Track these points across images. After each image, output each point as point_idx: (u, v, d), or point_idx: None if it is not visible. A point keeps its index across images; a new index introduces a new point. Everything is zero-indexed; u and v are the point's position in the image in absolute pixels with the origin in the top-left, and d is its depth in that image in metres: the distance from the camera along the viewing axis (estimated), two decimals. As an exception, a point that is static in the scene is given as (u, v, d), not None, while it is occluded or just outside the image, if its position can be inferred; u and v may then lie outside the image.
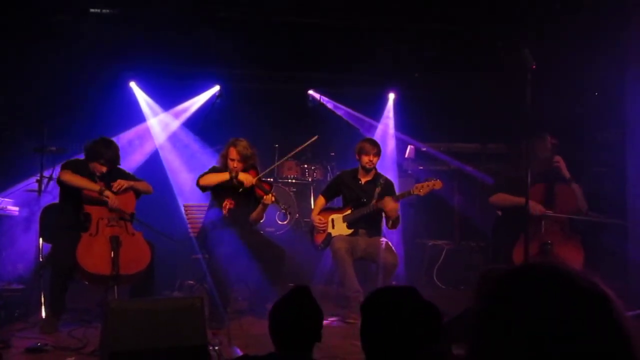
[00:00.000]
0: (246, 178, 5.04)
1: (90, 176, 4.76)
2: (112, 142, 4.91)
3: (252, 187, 5.07)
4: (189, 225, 5.52)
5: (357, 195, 5.46)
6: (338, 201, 5.75)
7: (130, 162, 6.94)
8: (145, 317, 3.22)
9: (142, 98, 7.71)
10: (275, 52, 7.36)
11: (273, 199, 4.97)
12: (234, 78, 7.84)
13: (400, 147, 7.86)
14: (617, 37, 5.53)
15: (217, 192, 5.17)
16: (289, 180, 7.46)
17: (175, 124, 7.76)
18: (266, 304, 4.53)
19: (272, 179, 6.15)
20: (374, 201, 5.36)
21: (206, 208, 5.36)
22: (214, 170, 5.19)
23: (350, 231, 5.39)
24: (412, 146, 7.58)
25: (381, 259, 5.14)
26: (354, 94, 8.28)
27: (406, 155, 7.61)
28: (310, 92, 8.22)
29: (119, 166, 5.14)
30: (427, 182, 5.24)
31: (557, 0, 6.23)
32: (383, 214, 5.39)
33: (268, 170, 5.31)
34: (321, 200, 5.66)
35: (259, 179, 5.12)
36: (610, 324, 0.95)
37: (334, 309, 5.29)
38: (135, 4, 6.71)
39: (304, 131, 5.67)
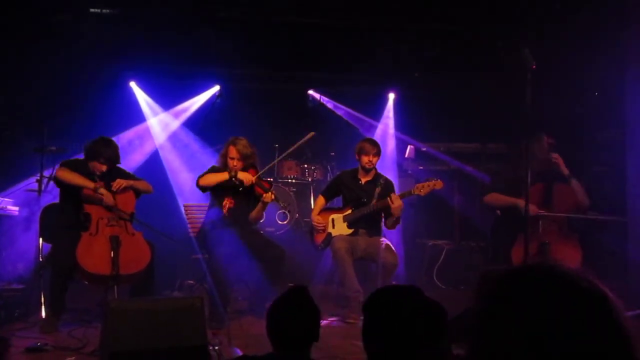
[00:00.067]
0: (245, 177, 5.04)
1: (90, 176, 4.76)
2: (111, 141, 4.91)
3: (252, 185, 5.07)
4: (189, 225, 5.52)
5: (357, 195, 5.46)
6: (338, 201, 5.75)
7: (130, 162, 6.93)
8: (145, 317, 3.22)
9: (142, 98, 7.70)
10: (275, 52, 7.35)
11: (273, 196, 4.97)
12: (234, 78, 7.84)
13: (400, 147, 7.85)
14: (617, 37, 5.53)
15: (216, 192, 5.16)
16: (289, 180, 7.46)
17: (175, 124, 7.75)
18: (266, 304, 4.52)
19: (272, 179, 6.14)
20: (374, 201, 5.36)
21: (206, 208, 5.36)
22: (213, 170, 5.19)
23: (350, 231, 5.39)
24: (412, 146, 7.58)
25: (381, 259, 5.14)
26: (354, 94, 8.28)
27: (406, 155, 7.61)
28: (310, 92, 8.22)
29: (119, 166, 5.14)
30: (427, 182, 5.24)
31: (557, 0, 6.23)
32: (383, 214, 5.39)
33: (267, 168, 5.30)
34: (321, 200, 5.66)
35: (259, 178, 5.12)
36: (610, 323, 0.95)
37: (334, 309, 5.29)
38: (135, 4, 6.71)
39: (304, 131, 5.66)
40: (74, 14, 6.68)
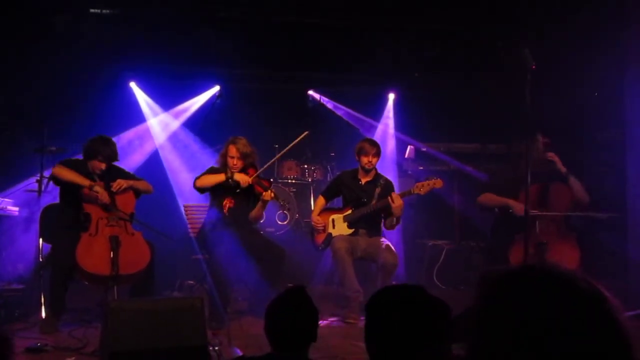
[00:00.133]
0: (242, 178, 5.04)
1: (89, 176, 4.76)
2: (109, 139, 4.91)
3: (251, 185, 5.06)
4: (188, 226, 5.52)
5: (357, 195, 5.46)
6: (338, 202, 5.75)
7: (130, 162, 6.93)
8: (145, 317, 3.22)
9: (142, 98, 7.70)
10: (275, 52, 7.35)
11: (272, 195, 4.97)
12: (234, 78, 7.84)
13: (400, 147, 7.85)
14: (617, 37, 5.53)
15: (216, 192, 5.16)
16: (289, 181, 7.46)
17: (175, 124, 7.75)
18: (266, 304, 4.53)
19: (272, 179, 6.15)
20: (374, 201, 5.36)
21: (206, 208, 5.36)
22: (211, 170, 5.19)
23: (350, 231, 5.39)
24: (412, 146, 7.58)
25: (381, 259, 5.14)
26: (354, 94, 8.28)
27: (406, 156, 7.61)
28: (310, 92, 8.22)
29: (119, 166, 5.15)
30: (427, 181, 5.24)
31: (557, 0, 6.23)
32: (382, 214, 5.39)
33: (265, 167, 5.29)
34: (321, 200, 5.66)
35: (258, 176, 5.11)
36: (609, 324, 0.95)
37: (334, 309, 5.29)
38: (135, 4, 6.71)
39: (304, 131, 5.66)
40: (74, 14, 6.68)
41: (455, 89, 7.70)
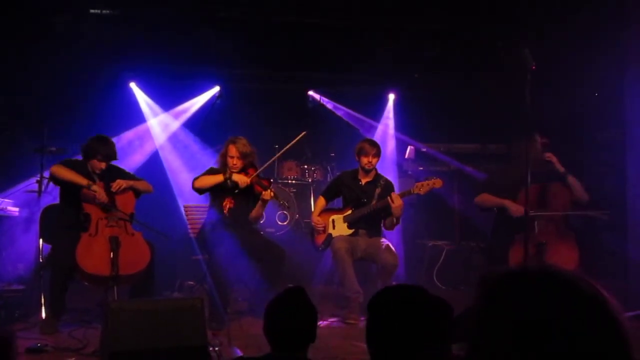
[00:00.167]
0: (240, 179, 5.03)
1: (89, 176, 4.76)
2: (107, 138, 4.91)
3: (250, 185, 5.06)
4: (189, 226, 5.52)
5: (357, 195, 5.46)
6: (338, 202, 5.75)
7: (131, 162, 6.93)
8: (145, 317, 3.22)
9: (142, 98, 7.70)
10: (275, 52, 7.35)
11: (272, 194, 4.97)
12: (234, 78, 7.84)
13: (400, 147, 7.85)
14: (617, 37, 5.53)
15: (216, 193, 5.16)
16: (289, 181, 7.46)
17: (176, 125, 7.75)
18: (266, 304, 4.53)
19: (272, 180, 6.14)
20: (374, 202, 5.36)
21: (206, 209, 5.36)
22: (211, 171, 5.19)
23: (350, 231, 5.39)
24: (412, 147, 7.58)
25: (381, 259, 5.14)
26: (354, 94, 8.28)
27: (406, 156, 7.61)
28: (310, 92, 8.22)
29: (119, 166, 5.15)
30: (427, 181, 5.24)
31: (557, 0, 6.23)
32: (383, 215, 5.39)
33: (263, 167, 5.29)
34: (321, 201, 5.66)
35: (257, 176, 5.11)
36: (608, 324, 0.96)
37: (334, 310, 5.29)
38: (135, 4, 6.71)
39: (304, 131, 5.66)
40: (74, 14, 6.68)
41: (455, 89, 7.70)
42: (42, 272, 4.79)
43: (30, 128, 6.42)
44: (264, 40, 7.07)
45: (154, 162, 7.35)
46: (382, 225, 5.46)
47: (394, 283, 5.28)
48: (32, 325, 4.52)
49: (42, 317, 4.55)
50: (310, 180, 7.48)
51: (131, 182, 4.94)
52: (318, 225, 5.44)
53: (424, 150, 7.58)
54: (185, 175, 7.02)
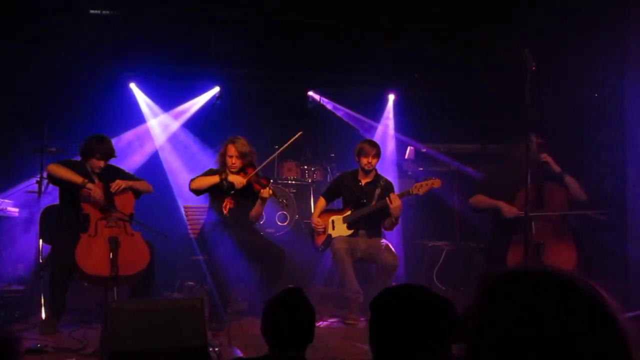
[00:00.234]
0: (236, 179, 5.03)
1: (88, 176, 4.75)
2: (104, 137, 4.91)
3: (249, 184, 5.06)
4: (189, 226, 5.52)
5: (357, 196, 5.45)
6: (339, 203, 5.74)
7: (130, 163, 6.93)
8: (145, 317, 3.22)
9: (142, 99, 7.70)
10: (275, 52, 7.35)
11: (271, 191, 4.97)
12: (234, 78, 7.84)
13: (400, 148, 7.85)
14: (617, 37, 5.52)
15: (215, 194, 5.17)
16: (289, 182, 7.46)
17: (175, 125, 7.75)
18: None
19: (272, 180, 6.14)
20: (373, 202, 5.36)
21: (206, 209, 5.36)
22: (210, 172, 5.19)
23: (350, 232, 5.39)
24: (411, 147, 7.57)
25: (381, 260, 5.14)
26: (354, 94, 8.28)
27: (406, 157, 7.61)
28: (310, 93, 8.21)
29: (118, 166, 5.15)
30: (425, 182, 5.24)
31: (557, 0, 6.23)
32: (382, 215, 5.38)
33: (261, 167, 5.28)
34: (322, 201, 5.66)
35: (256, 174, 5.11)
36: (608, 325, 0.96)
37: (333, 310, 5.29)
38: (135, 4, 6.70)
39: (304, 131, 5.66)
40: (74, 14, 6.67)
41: (455, 89, 7.70)
42: (42, 273, 4.79)
43: (30, 128, 6.42)
44: (264, 40, 7.07)
45: (154, 163, 7.35)
46: (382, 225, 5.46)
47: (393, 284, 5.28)
48: (32, 325, 4.52)
49: (42, 318, 4.55)
50: (310, 181, 7.47)
51: (130, 183, 4.94)
52: (318, 227, 5.44)
53: (424, 150, 7.58)
54: (185, 176, 7.00)
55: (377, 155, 5.40)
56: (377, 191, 5.40)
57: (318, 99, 8.14)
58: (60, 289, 4.49)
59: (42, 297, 4.62)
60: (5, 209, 5.69)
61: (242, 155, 5.08)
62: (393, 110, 8.18)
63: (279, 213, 6.98)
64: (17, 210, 5.82)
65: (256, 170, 5.15)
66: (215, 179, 5.05)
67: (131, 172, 5.42)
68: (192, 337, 3.24)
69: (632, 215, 5.34)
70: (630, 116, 5.42)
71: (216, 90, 7.67)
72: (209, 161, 5.72)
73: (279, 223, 7.00)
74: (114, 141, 5.02)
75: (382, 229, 5.47)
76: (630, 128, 5.44)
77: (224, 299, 4.78)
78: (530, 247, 4.67)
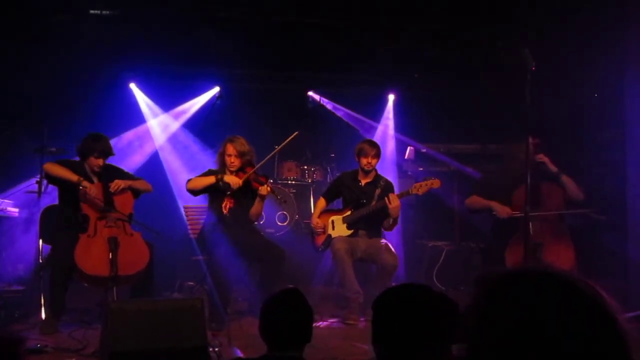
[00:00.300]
0: (232, 180, 5.03)
1: (86, 176, 4.75)
2: (101, 135, 4.91)
3: (248, 182, 5.06)
4: (189, 227, 5.51)
5: (357, 196, 5.46)
6: (339, 203, 5.75)
7: (130, 163, 6.93)
8: (145, 317, 3.22)
9: (142, 99, 7.70)
10: (275, 52, 7.34)
11: (269, 189, 4.98)
12: (234, 78, 7.83)
13: (400, 148, 7.84)
14: (617, 37, 5.52)
15: (214, 194, 5.17)
16: (289, 182, 7.45)
17: (175, 125, 7.75)
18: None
19: (271, 180, 6.14)
20: (373, 202, 5.36)
21: (206, 209, 5.35)
22: (209, 173, 5.19)
23: (350, 232, 5.39)
24: (411, 147, 7.57)
25: (381, 260, 5.14)
26: (354, 94, 8.27)
27: (406, 157, 7.60)
28: (310, 93, 8.21)
29: (117, 166, 5.14)
30: (425, 182, 5.24)
31: (557, 0, 6.23)
32: (382, 215, 5.38)
33: (259, 165, 5.27)
34: (322, 202, 5.66)
35: (255, 173, 5.11)
36: (608, 324, 0.96)
37: (333, 310, 5.29)
38: (135, 4, 6.70)
39: (304, 132, 5.66)
40: (74, 14, 6.67)
41: (455, 89, 7.69)
42: (42, 273, 4.79)
43: (30, 128, 6.42)
44: (264, 40, 7.06)
45: (154, 163, 7.34)
46: (381, 226, 5.45)
47: (393, 284, 5.28)
48: (32, 325, 4.52)
49: (42, 318, 4.55)
50: (310, 181, 7.47)
51: (129, 182, 4.94)
52: (317, 228, 5.44)
53: (424, 150, 7.57)
54: (185, 176, 6.96)
55: (377, 155, 5.40)
56: (377, 191, 5.40)
57: (318, 99, 8.14)
58: (60, 289, 4.49)
59: (42, 297, 4.62)
60: (5, 209, 5.70)
61: (240, 155, 5.09)
62: (393, 111, 8.18)
63: (279, 213, 6.98)
64: (17, 210, 5.82)
65: (255, 168, 5.16)
66: (211, 179, 5.05)
67: (130, 172, 5.41)
68: (192, 337, 3.24)
69: (632, 215, 5.34)
70: (630, 116, 5.41)
71: (216, 90, 7.67)
72: (209, 161, 5.72)
73: (279, 223, 7.00)
74: (114, 141, 5.02)
75: (382, 229, 5.47)
76: (630, 128, 5.44)
77: (224, 299, 4.78)
78: (529, 247, 4.67)
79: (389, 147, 7.92)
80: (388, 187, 5.50)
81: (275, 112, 7.74)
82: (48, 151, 5.92)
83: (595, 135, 6.45)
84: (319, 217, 5.52)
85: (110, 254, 4.30)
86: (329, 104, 8.18)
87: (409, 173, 7.55)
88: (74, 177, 4.64)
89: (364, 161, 5.38)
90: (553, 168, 5.03)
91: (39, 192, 5.90)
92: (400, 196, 5.25)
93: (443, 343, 1.67)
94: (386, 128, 8.17)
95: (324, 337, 4.33)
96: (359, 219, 5.38)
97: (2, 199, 5.82)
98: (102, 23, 6.78)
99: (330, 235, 5.39)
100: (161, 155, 7.50)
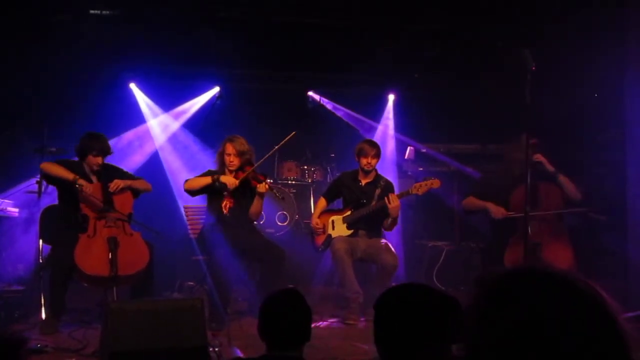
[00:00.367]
0: (228, 180, 5.03)
1: (85, 176, 4.75)
2: (99, 134, 4.92)
3: (247, 181, 5.06)
4: (189, 227, 5.51)
5: (357, 196, 5.46)
6: (339, 203, 5.75)
7: (130, 163, 6.93)
8: (145, 317, 3.22)
9: (142, 99, 7.70)
10: (275, 52, 7.34)
11: (267, 186, 4.98)
12: (234, 78, 7.83)
13: (400, 148, 7.84)
14: (617, 37, 5.52)
15: (212, 194, 5.17)
16: (289, 182, 7.45)
17: (175, 125, 7.75)
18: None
19: (271, 180, 6.13)
20: (373, 202, 5.36)
21: (206, 209, 5.35)
22: (208, 173, 5.20)
23: (350, 232, 5.39)
24: (411, 147, 7.57)
25: (381, 260, 5.14)
26: (354, 94, 8.27)
27: (406, 157, 7.60)
28: (310, 93, 8.21)
29: (117, 166, 5.14)
30: (425, 182, 5.24)
31: (557, 0, 6.23)
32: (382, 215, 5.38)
33: (257, 165, 5.27)
34: (322, 202, 5.67)
35: (254, 171, 5.11)
36: (608, 324, 0.96)
37: (333, 310, 5.29)
38: (135, 4, 6.70)
39: (304, 132, 5.66)
40: (74, 14, 6.67)
41: (455, 89, 7.69)
42: (42, 273, 4.79)
43: (30, 128, 6.42)
44: (264, 40, 7.06)
45: (154, 163, 7.34)
46: (382, 226, 5.45)
47: (393, 284, 5.28)
48: (32, 325, 4.52)
49: (42, 318, 4.55)
50: (310, 181, 7.47)
51: (129, 182, 4.94)
52: (317, 228, 5.45)
53: (424, 150, 7.58)
54: (185, 176, 6.95)
55: (377, 155, 5.41)
56: (377, 191, 5.40)
57: (318, 99, 8.14)
58: (60, 289, 4.49)
59: (42, 297, 4.62)
60: (5, 209, 5.69)
61: (240, 154, 5.09)
62: (393, 111, 8.17)
63: (279, 213, 6.98)
64: (17, 210, 5.82)
65: (253, 167, 5.16)
66: (207, 180, 5.06)
67: (130, 172, 5.41)
68: (192, 337, 3.24)
69: (632, 215, 5.34)
70: (630, 116, 5.41)
71: (216, 90, 7.67)
72: (209, 161, 5.73)
73: (279, 223, 7.00)
74: (114, 141, 5.02)
75: (382, 229, 5.47)
76: (630, 128, 5.44)
77: (224, 299, 4.78)
78: (528, 247, 4.67)
79: (389, 147, 7.91)
80: (388, 187, 5.50)
81: (275, 112, 7.74)
82: (48, 151, 5.92)
83: (595, 135, 6.45)
84: (319, 217, 5.52)
85: (110, 254, 4.30)
86: (329, 104, 8.18)
87: (409, 173, 7.54)
88: (69, 176, 4.64)
89: (363, 161, 5.38)
90: (550, 168, 5.03)
91: (39, 192, 5.90)
92: (400, 196, 5.25)
93: (444, 343, 1.67)
94: (386, 128, 8.17)
95: (324, 337, 4.34)
96: (359, 219, 5.38)
97: (2, 199, 5.82)
98: (102, 23, 6.78)
99: (330, 235, 5.39)
100: (161, 155, 7.50)
